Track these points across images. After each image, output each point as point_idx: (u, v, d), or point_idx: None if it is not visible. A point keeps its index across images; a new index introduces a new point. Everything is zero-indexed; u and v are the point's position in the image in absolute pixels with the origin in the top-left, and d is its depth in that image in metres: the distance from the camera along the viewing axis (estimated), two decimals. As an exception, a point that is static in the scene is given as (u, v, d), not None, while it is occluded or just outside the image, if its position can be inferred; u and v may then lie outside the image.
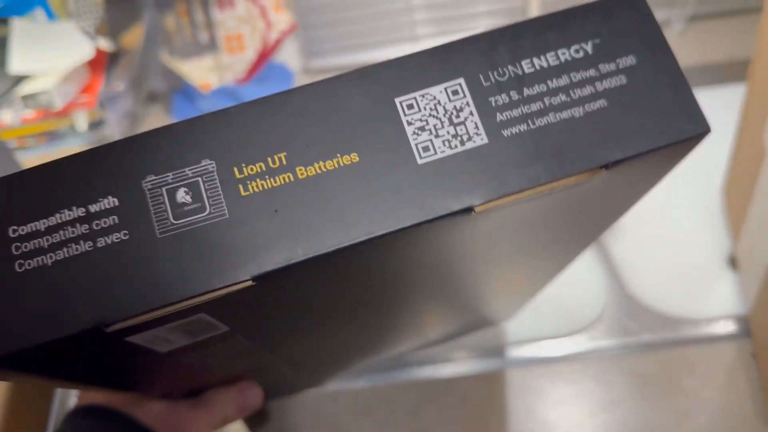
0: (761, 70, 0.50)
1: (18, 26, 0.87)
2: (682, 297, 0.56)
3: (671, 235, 0.62)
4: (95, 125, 0.87)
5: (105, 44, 0.83)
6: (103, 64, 0.88)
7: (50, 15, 0.92)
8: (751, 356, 0.51)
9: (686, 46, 0.91)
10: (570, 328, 0.55)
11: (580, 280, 0.59)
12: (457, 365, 0.54)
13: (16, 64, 0.84)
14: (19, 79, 0.85)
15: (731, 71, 0.83)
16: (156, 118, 0.95)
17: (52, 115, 0.85)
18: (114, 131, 0.87)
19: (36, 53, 0.86)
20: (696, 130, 0.21)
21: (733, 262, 0.58)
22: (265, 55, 0.94)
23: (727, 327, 0.53)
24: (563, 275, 0.60)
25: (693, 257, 0.60)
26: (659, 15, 0.95)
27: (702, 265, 0.59)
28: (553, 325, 0.56)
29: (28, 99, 0.82)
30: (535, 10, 0.78)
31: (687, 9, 0.93)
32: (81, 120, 0.86)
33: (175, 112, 0.93)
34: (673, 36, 0.93)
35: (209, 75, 0.93)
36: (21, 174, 0.21)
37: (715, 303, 0.55)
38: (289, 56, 0.98)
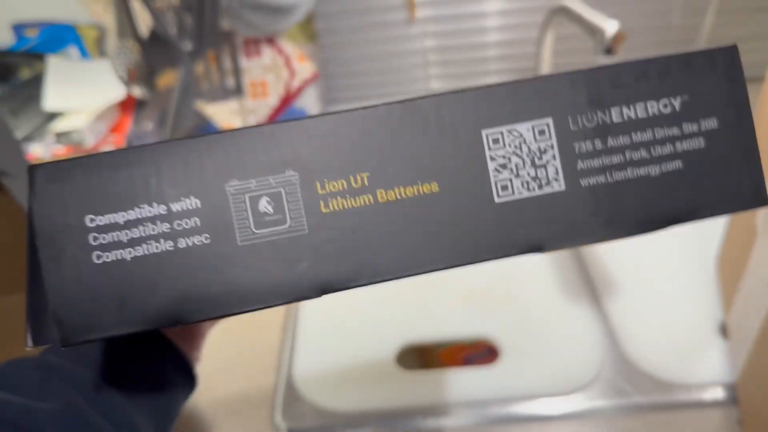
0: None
1: (53, 64, 0.91)
2: (675, 362, 0.59)
3: (667, 301, 0.66)
4: (122, 161, 0.91)
5: (138, 91, 0.87)
6: (132, 104, 0.92)
7: (84, 53, 0.97)
8: (737, 423, 0.54)
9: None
10: (567, 387, 0.58)
11: (578, 341, 0.63)
12: (458, 418, 0.57)
13: (50, 102, 0.88)
14: (53, 116, 0.90)
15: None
16: (179, 156, 0.99)
17: (81, 151, 0.89)
18: (139, 168, 0.91)
19: (70, 92, 0.90)
20: (757, 204, 0.22)
21: (724, 331, 0.61)
22: (286, 101, 0.98)
23: (716, 393, 0.56)
24: (563, 336, 0.63)
25: (687, 323, 0.63)
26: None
27: (695, 332, 0.62)
28: (552, 384, 0.59)
29: (61, 136, 0.86)
30: (546, 71, 0.82)
31: (691, 75, 0.97)
32: (108, 156, 0.90)
33: (198, 152, 0.97)
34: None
35: (233, 118, 0.97)
36: (98, 157, 0.20)
37: (706, 369, 0.58)
38: (310, 102, 1.02)
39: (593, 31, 0.59)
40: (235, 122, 0.98)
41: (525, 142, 0.21)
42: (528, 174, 0.21)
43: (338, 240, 0.21)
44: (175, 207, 0.20)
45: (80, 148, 0.87)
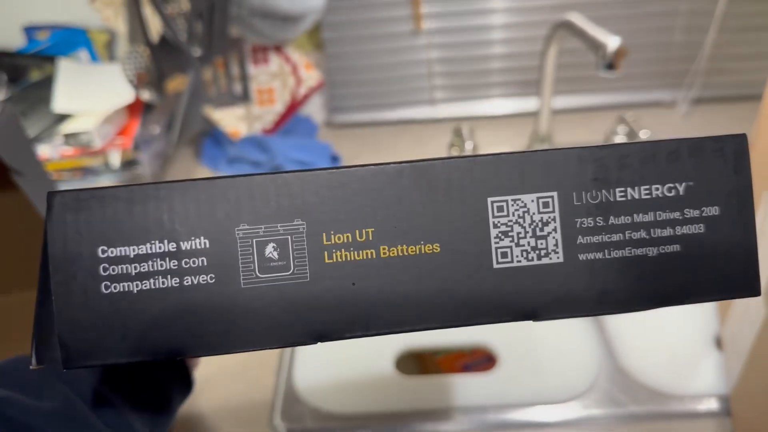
0: (756, 159, 0.54)
1: (64, 67, 0.92)
2: (670, 373, 0.60)
3: (663, 312, 0.66)
4: (128, 164, 0.92)
5: (146, 95, 0.89)
6: (140, 107, 0.93)
7: (93, 57, 0.98)
8: (730, 435, 0.55)
9: (688, 128, 0.97)
10: (563, 395, 0.59)
11: (575, 350, 0.64)
12: (455, 424, 0.58)
13: (59, 104, 0.90)
14: (62, 117, 0.91)
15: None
16: (185, 161, 1.00)
17: (88, 153, 0.91)
18: (146, 171, 0.92)
19: (79, 94, 0.91)
20: (749, 294, 0.22)
21: (719, 343, 0.62)
22: (292, 109, 1.00)
23: (710, 405, 0.57)
24: (559, 344, 0.64)
25: (683, 335, 0.64)
26: (665, 96, 1.00)
27: (691, 343, 0.63)
28: (548, 392, 0.60)
29: (69, 138, 0.87)
30: (549, 84, 0.83)
31: (692, 92, 0.98)
32: (115, 158, 0.91)
33: (204, 156, 0.98)
34: (677, 117, 0.99)
35: (239, 123, 0.99)
36: (115, 190, 0.21)
37: (701, 381, 0.59)
38: (315, 110, 1.03)
39: (595, 46, 0.61)
40: (242, 128, 0.99)
41: (529, 212, 0.22)
42: (528, 244, 0.22)
43: (338, 290, 0.21)
44: (184, 245, 0.21)
45: (88, 149, 0.88)
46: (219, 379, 0.64)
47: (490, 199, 0.22)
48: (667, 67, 0.99)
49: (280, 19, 0.87)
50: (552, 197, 0.22)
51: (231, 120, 0.99)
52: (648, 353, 0.62)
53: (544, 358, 0.64)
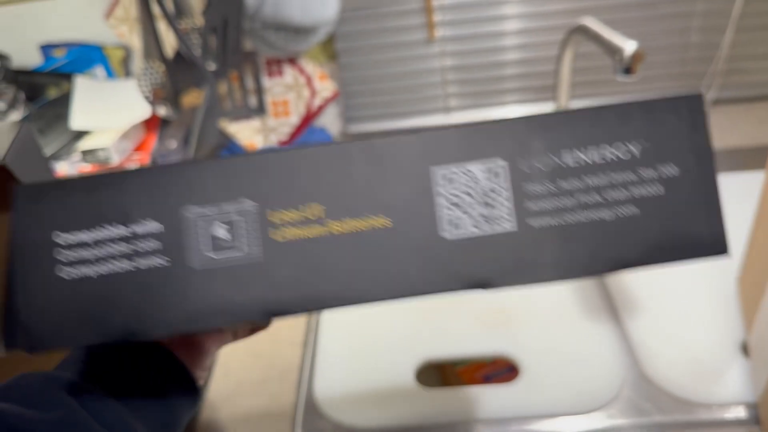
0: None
1: (80, 84, 0.93)
2: (696, 381, 0.59)
3: (688, 320, 0.65)
4: (145, 179, 0.93)
5: (162, 110, 0.89)
6: (157, 123, 0.94)
7: (110, 73, 0.99)
8: (760, 444, 0.54)
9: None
10: (588, 405, 0.58)
11: (598, 360, 0.63)
12: (480, 435, 0.58)
13: (76, 121, 0.90)
14: (79, 134, 0.92)
15: (751, 158, 0.86)
16: (201, 174, 1.01)
17: (106, 169, 0.91)
18: (163, 186, 0.93)
19: (96, 111, 0.92)
20: (716, 253, 0.22)
21: (745, 349, 0.60)
22: (307, 120, 1.00)
23: (738, 413, 0.56)
24: (583, 354, 0.63)
25: (708, 342, 0.63)
26: (683, 98, 0.99)
27: (716, 351, 0.62)
28: (572, 402, 0.59)
29: (87, 154, 0.87)
30: (565, 89, 0.82)
31: (711, 93, 0.97)
32: (133, 174, 0.91)
33: (220, 169, 0.99)
34: (696, 119, 0.97)
35: (255, 136, 0.99)
36: (73, 181, 0.22)
37: (727, 388, 0.58)
38: (329, 121, 1.03)
39: (612, 50, 0.60)
40: (257, 141, 0.99)
41: (478, 181, 0.22)
42: (479, 213, 0.22)
43: (291, 268, 0.22)
44: (139, 229, 0.22)
45: (106, 165, 0.89)
46: (239, 394, 0.64)
47: (437, 170, 0.22)
48: (684, 68, 0.98)
49: (293, 32, 0.87)
50: (501, 165, 0.22)
51: (247, 133, 0.99)
52: (673, 361, 0.61)
53: (567, 367, 0.63)
